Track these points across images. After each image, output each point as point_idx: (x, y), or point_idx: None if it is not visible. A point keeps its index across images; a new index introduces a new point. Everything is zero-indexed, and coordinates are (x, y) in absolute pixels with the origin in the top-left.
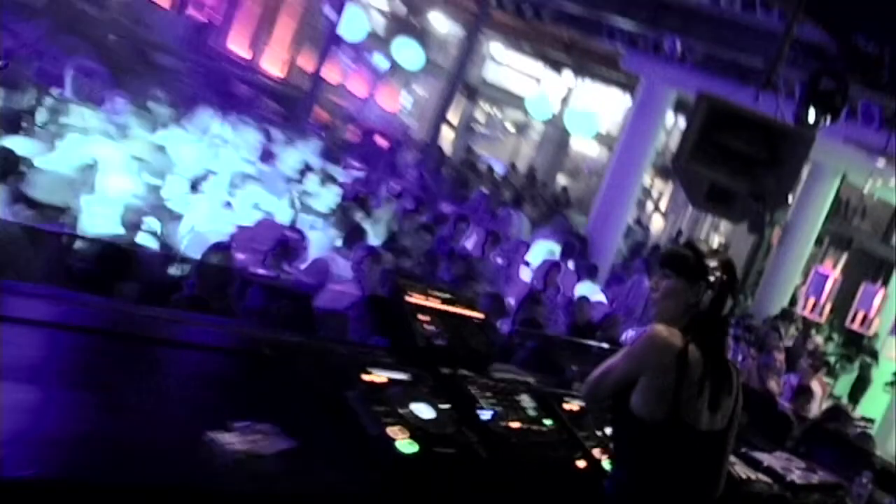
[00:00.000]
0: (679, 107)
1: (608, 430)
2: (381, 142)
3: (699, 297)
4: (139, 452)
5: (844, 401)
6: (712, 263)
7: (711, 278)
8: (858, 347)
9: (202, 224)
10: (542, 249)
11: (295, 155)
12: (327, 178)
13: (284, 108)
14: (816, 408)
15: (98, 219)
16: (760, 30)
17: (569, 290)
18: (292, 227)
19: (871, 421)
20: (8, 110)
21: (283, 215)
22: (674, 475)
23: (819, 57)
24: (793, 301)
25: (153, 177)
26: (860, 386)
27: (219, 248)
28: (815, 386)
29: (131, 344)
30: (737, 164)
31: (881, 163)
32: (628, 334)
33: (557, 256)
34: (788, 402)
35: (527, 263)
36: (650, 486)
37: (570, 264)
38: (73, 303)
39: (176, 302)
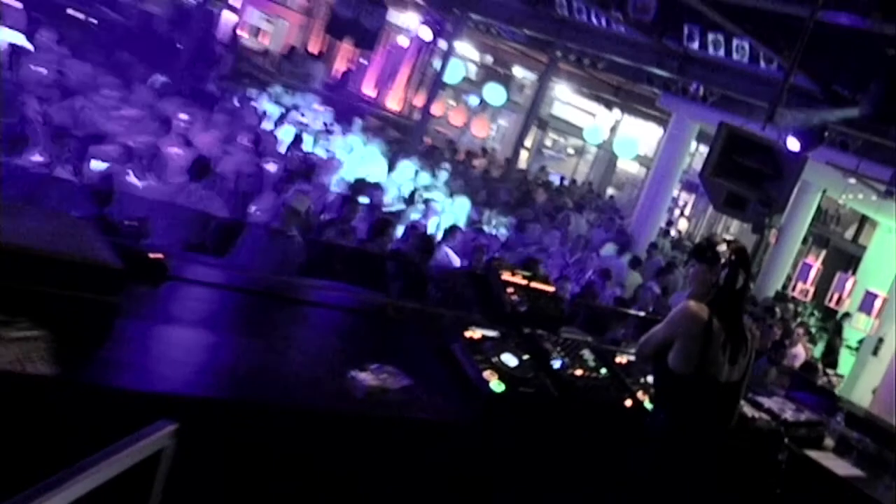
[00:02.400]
0: (701, 136)
1: (649, 379)
2: (476, 162)
3: (717, 276)
4: (297, 383)
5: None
6: (722, 248)
7: (723, 260)
8: (835, 321)
9: None
10: (609, 249)
11: (410, 166)
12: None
13: (402, 134)
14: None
15: None
16: (763, 77)
17: (621, 276)
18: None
19: (841, 376)
20: None
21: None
22: (698, 414)
23: (808, 99)
24: (785, 285)
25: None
26: (828, 351)
27: None
28: (801, 349)
29: (288, 303)
30: (749, 177)
31: (853, 181)
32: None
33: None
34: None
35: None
36: (681, 422)
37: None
38: (240, 270)
39: None
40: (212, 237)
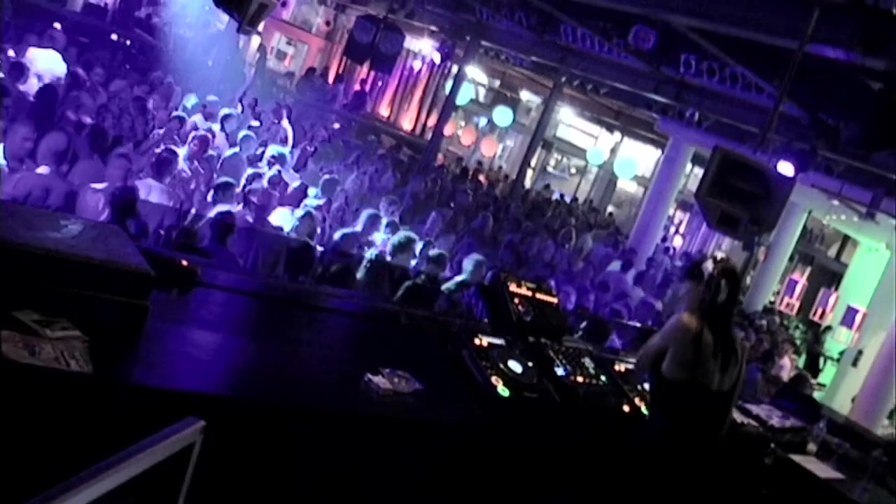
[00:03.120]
0: (696, 159)
1: (646, 386)
2: (483, 179)
3: (705, 291)
4: (315, 385)
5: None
6: (709, 267)
7: (706, 277)
8: (815, 334)
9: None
10: (614, 266)
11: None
12: None
13: (415, 152)
14: (786, 375)
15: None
16: (755, 105)
17: (627, 290)
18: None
19: (823, 385)
20: None
21: None
22: (690, 419)
23: (796, 126)
24: (772, 300)
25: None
26: (810, 361)
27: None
28: (787, 360)
29: (307, 310)
30: (741, 198)
31: (836, 203)
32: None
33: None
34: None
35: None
36: (675, 426)
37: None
38: (260, 278)
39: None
40: (209, 233)
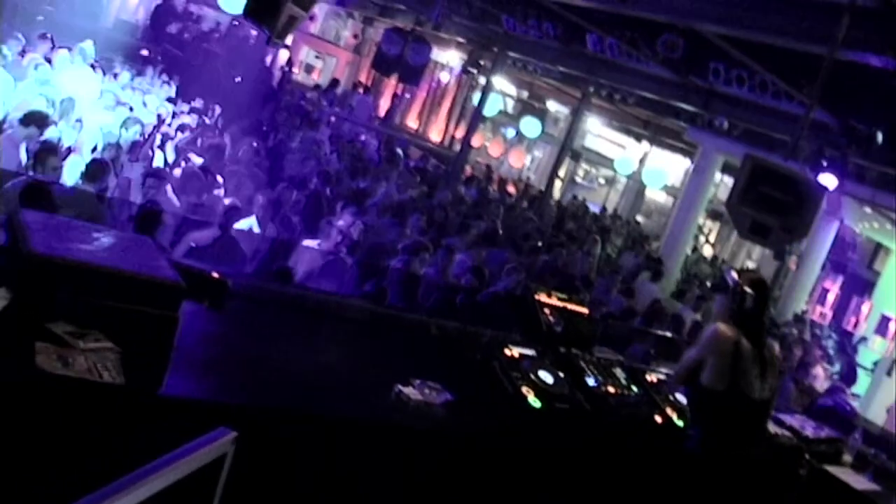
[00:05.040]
0: (725, 168)
1: (678, 397)
2: (511, 189)
3: (733, 302)
4: (345, 396)
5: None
6: (735, 277)
7: (735, 288)
8: (849, 344)
9: None
10: (644, 277)
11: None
12: None
13: (443, 164)
14: (819, 385)
15: None
16: (785, 113)
17: (652, 297)
18: None
19: (857, 395)
20: None
21: None
22: (734, 430)
23: (826, 133)
24: (804, 309)
25: None
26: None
27: None
28: (819, 370)
29: (338, 320)
30: (772, 206)
31: (868, 210)
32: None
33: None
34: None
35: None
36: (718, 438)
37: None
38: (290, 289)
39: None
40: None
